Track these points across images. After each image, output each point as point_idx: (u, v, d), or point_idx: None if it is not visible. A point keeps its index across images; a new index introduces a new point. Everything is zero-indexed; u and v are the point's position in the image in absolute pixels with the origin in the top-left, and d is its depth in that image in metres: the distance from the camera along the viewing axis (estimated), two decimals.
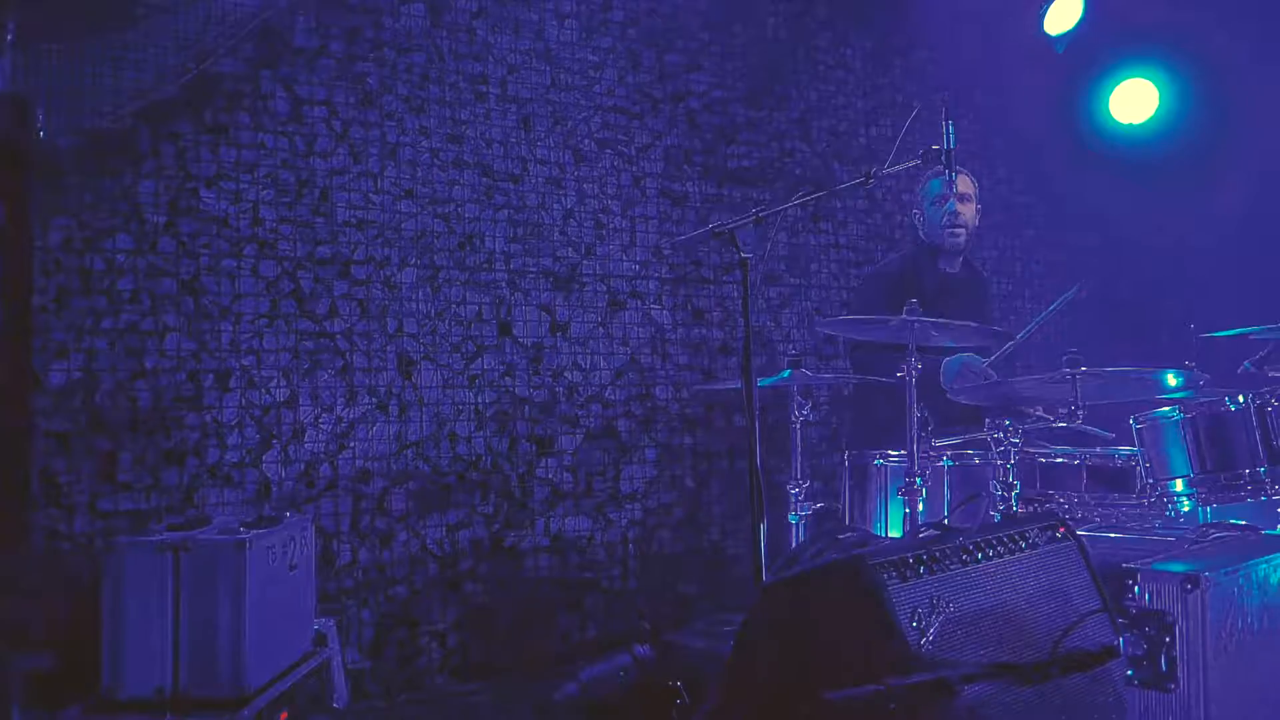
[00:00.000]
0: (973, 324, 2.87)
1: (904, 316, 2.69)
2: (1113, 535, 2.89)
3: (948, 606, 2.03)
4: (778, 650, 2.10)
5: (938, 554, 2.08)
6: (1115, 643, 1.80)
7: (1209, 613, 1.72)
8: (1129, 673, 1.77)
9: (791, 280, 4.59)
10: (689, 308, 4.33)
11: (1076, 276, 5.39)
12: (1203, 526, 2.83)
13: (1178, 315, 3.87)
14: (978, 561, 2.16)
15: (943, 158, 2.63)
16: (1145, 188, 5.08)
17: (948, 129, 2.64)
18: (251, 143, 3.54)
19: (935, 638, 1.97)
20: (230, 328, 3.48)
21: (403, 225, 3.78)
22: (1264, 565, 1.93)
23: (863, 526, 3.07)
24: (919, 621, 1.95)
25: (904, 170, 2.71)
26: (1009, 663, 1.84)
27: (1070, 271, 5.43)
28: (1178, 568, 1.74)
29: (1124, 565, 1.82)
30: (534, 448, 3.97)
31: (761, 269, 4.51)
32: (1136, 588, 1.77)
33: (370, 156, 3.73)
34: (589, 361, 4.10)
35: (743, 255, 2.50)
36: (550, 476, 3.99)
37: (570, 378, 4.06)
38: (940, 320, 2.82)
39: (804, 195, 2.62)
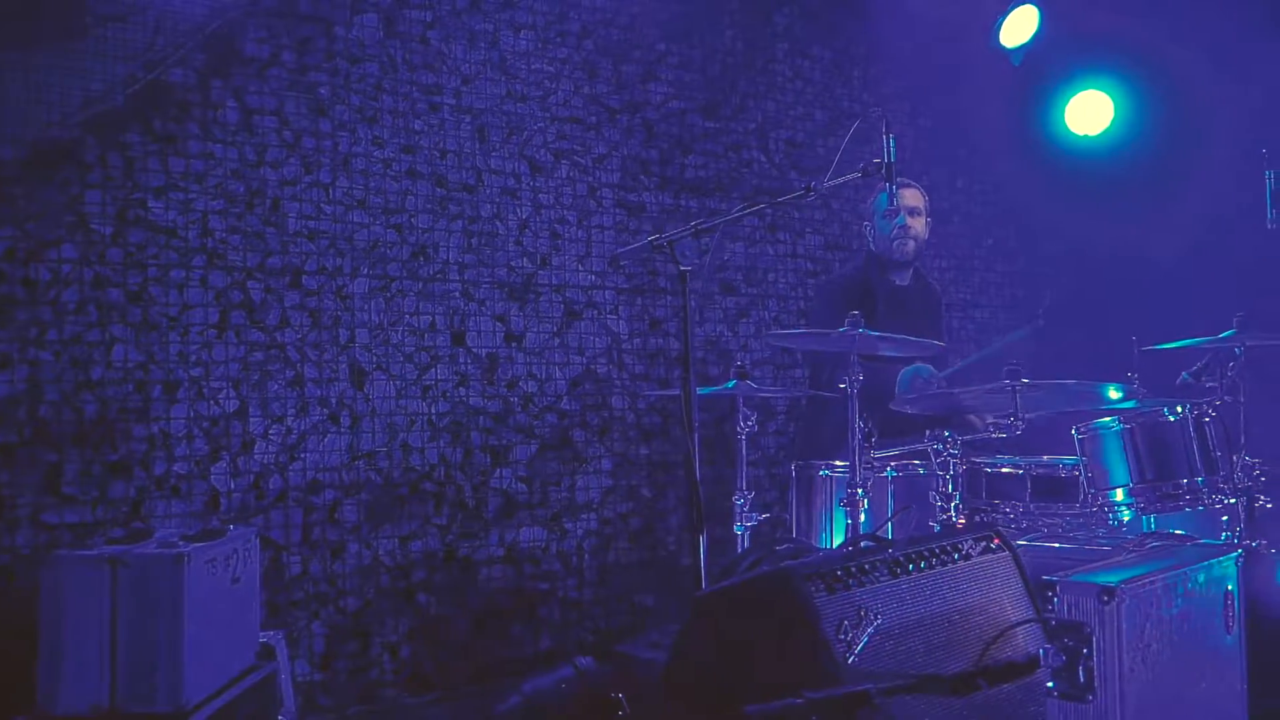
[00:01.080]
0: (912, 338, 2.88)
1: (843, 330, 2.70)
2: (1053, 545, 2.91)
3: (876, 618, 2.04)
4: (709, 663, 2.11)
5: (867, 566, 2.09)
6: (1038, 653, 1.82)
7: (1125, 624, 1.74)
8: (1049, 684, 1.78)
9: (749, 290, 4.61)
10: (646, 318, 4.34)
11: (1035, 286, 5.47)
12: (1142, 536, 2.87)
13: (1127, 326, 3.92)
14: (909, 573, 2.18)
15: (884, 171, 2.65)
16: (1101, 199, 5.14)
17: (888, 142, 2.66)
18: (201, 153, 3.52)
19: (863, 650, 1.99)
20: (179, 338, 3.46)
21: (355, 235, 3.77)
22: (1186, 574, 1.95)
23: (809, 537, 3.08)
24: (845, 634, 1.96)
25: (846, 182, 2.73)
26: (932, 674, 1.85)
27: (1029, 280, 5.49)
28: (1095, 579, 1.76)
29: (1043, 577, 1.84)
30: (488, 458, 3.96)
31: (717, 279, 4.53)
32: (1055, 599, 1.78)
33: (322, 167, 3.72)
34: (544, 371, 4.11)
35: (682, 268, 2.50)
36: (505, 487, 3.99)
37: (525, 388, 4.06)
38: (882, 335, 2.84)
39: (743, 209, 2.63)
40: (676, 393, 3.87)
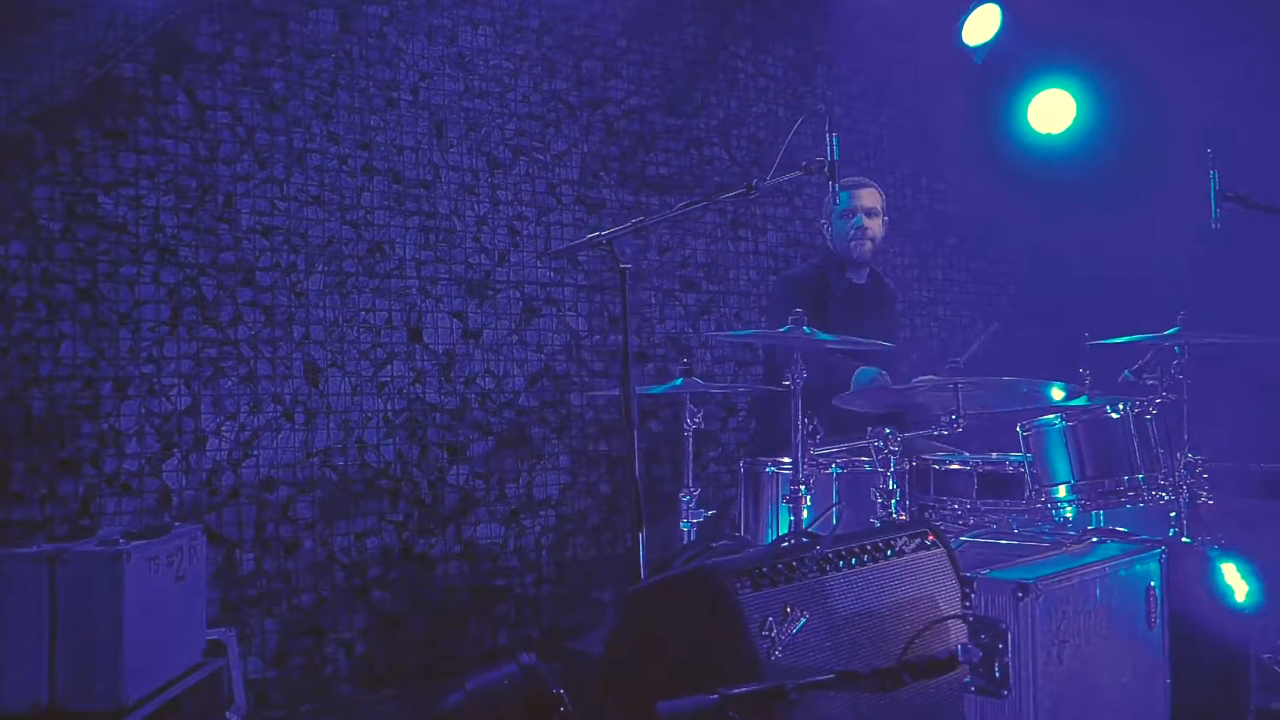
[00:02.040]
0: (859, 338, 2.90)
1: (786, 328, 2.71)
2: (996, 541, 2.93)
3: (803, 615, 2.06)
4: (638, 660, 2.12)
5: (794, 563, 2.10)
6: (956, 650, 1.83)
7: (1040, 620, 1.76)
8: (966, 679, 1.80)
9: (710, 287, 4.62)
10: (605, 314, 4.35)
11: (998, 284, 5.49)
12: (1083, 532, 2.89)
13: (1085, 323, 3.94)
14: (839, 570, 2.19)
15: (826, 169, 2.66)
16: (1063, 197, 5.17)
17: (830, 141, 2.66)
18: (152, 148, 3.51)
19: (787, 646, 2.00)
20: (129, 335, 3.45)
21: (309, 232, 3.76)
22: (1107, 571, 1.97)
23: (757, 533, 3.10)
24: (770, 630, 1.97)
25: (789, 180, 2.74)
26: (852, 670, 1.86)
27: (992, 279, 5.52)
28: (1011, 576, 1.78)
29: (963, 574, 1.85)
30: (445, 455, 3.96)
31: (677, 275, 4.54)
32: (973, 595, 1.80)
33: (276, 163, 3.71)
34: (502, 368, 4.11)
35: (622, 265, 2.51)
36: (462, 483, 3.99)
37: (483, 384, 4.06)
38: (828, 333, 2.85)
39: (685, 206, 2.64)
40: (616, 392, 3.88)
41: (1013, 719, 1.76)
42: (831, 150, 2.66)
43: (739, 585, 1.98)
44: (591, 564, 4.22)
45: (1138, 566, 2.06)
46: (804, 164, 2.69)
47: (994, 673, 1.77)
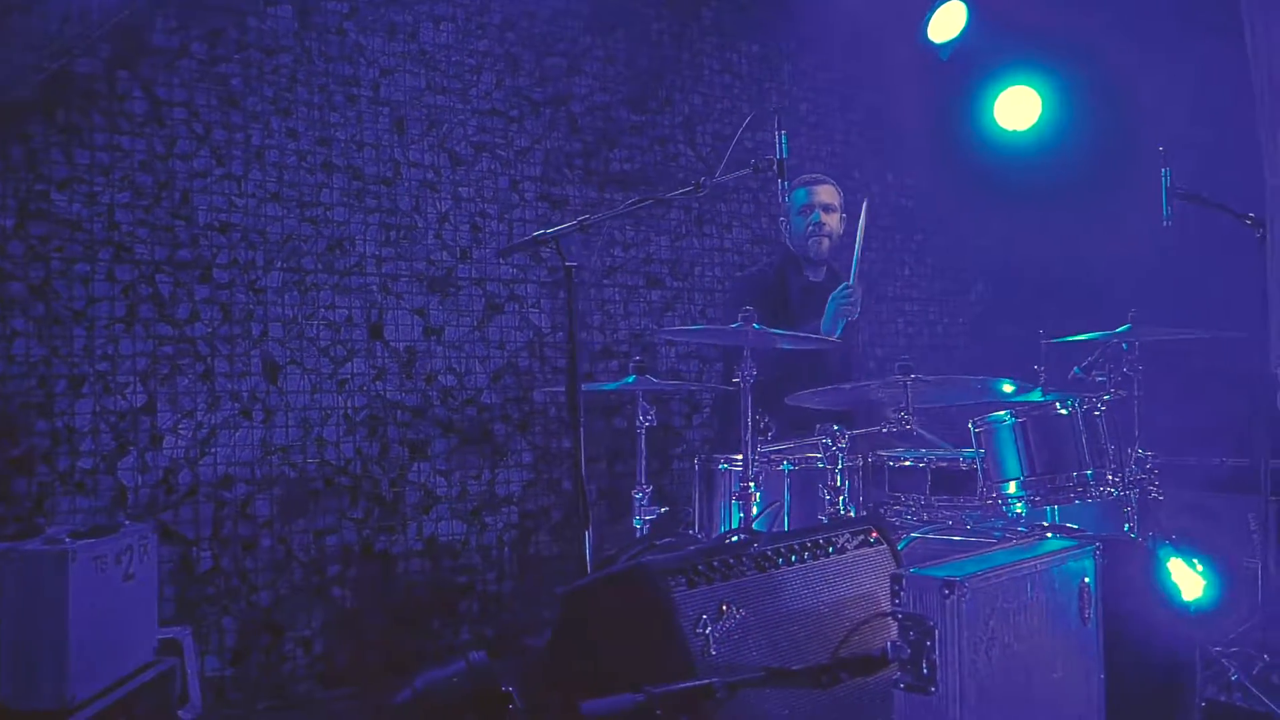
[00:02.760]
0: (810, 334, 2.90)
1: (735, 325, 2.72)
2: (948, 537, 2.94)
3: (739, 612, 2.06)
4: (578, 657, 2.12)
5: (731, 560, 2.11)
6: (886, 647, 1.84)
7: (967, 617, 1.77)
8: (895, 676, 1.81)
9: (674, 284, 4.62)
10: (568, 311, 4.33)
11: (965, 281, 5.51)
12: (1035, 527, 2.91)
13: (1047, 320, 3.96)
14: (778, 567, 2.20)
15: (775, 167, 2.66)
16: (1030, 193, 5.18)
17: (780, 139, 2.67)
18: (107, 144, 3.49)
19: (722, 644, 2.00)
20: (84, 333, 3.43)
21: (268, 229, 3.74)
22: (1038, 566, 1.98)
23: (710, 530, 3.10)
24: (704, 628, 1.98)
25: (737, 178, 2.74)
26: (783, 668, 1.87)
27: (958, 276, 5.54)
28: (938, 573, 1.79)
29: (892, 571, 1.86)
30: (406, 452, 3.96)
31: (644, 272, 4.54)
32: (902, 593, 1.81)
33: (234, 159, 3.69)
34: (464, 365, 4.10)
35: (567, 263, 2.51)
36: (423, 481, 3.99)
37: (445, 381, 4.06)
38: (776, 331, 2.86)
39: (632, 204, 2.63)
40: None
41: (939, 715, 1.76)
42: (780, 148, 2.67)
43: (673, 583, 1.98)
44: (554, 560, 4.22)
45: (1072, 563, 2.07)
46: (753, 162, 2.69)
47: (922, 669, 1.78)
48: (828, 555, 2.30)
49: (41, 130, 3.40)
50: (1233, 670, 3.04)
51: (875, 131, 5.27)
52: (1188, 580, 3.39)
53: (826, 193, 3.72)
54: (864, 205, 3.45)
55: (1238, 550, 4.02)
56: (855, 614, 2.25)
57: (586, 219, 2.56)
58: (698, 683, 1.73)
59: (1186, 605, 2.82)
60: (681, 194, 2.64)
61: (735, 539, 2.22)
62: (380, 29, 4.01)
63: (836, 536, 2.35)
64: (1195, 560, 3.67)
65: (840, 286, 3.45)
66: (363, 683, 3.74)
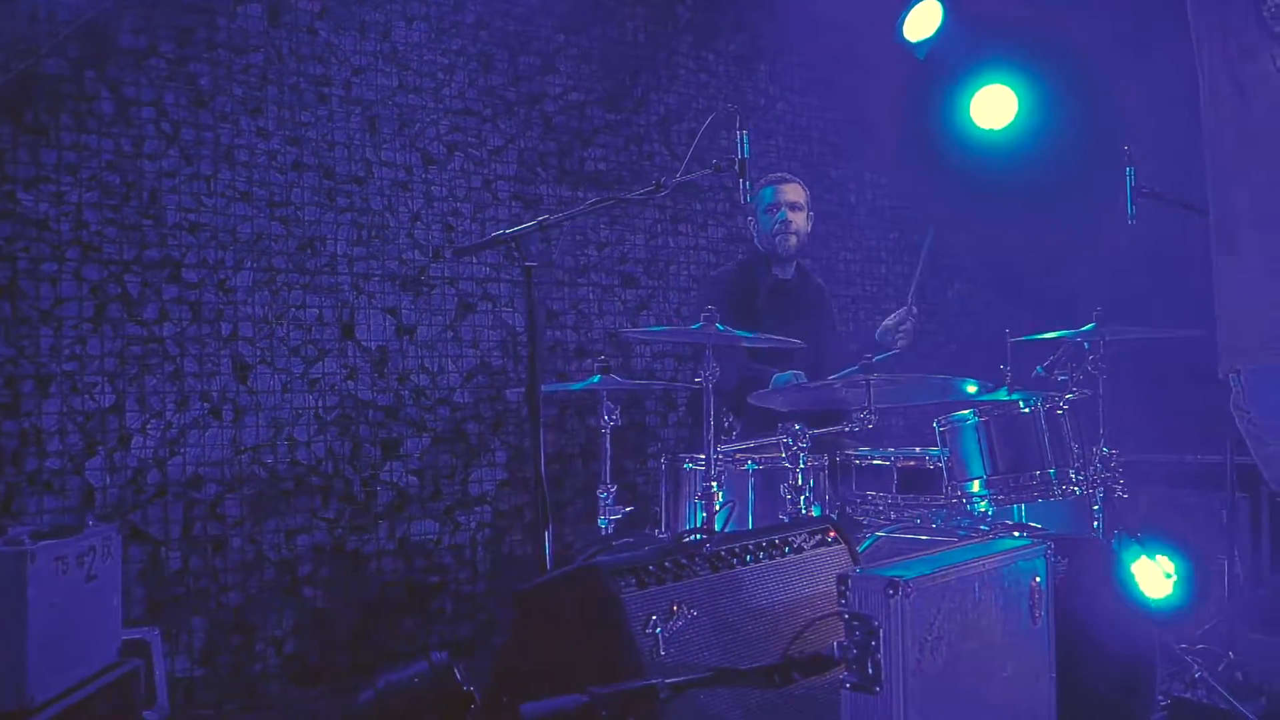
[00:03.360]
0: (774, 335, 2.91)
1: (698, 325, 2.72)
2: (913, 536, 2.94)
3: (691, 612, 2.07)
4: (531, 658, 2.13)
5: (685, 560, 2.11)
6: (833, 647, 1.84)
7: (912, 616, 1.77)
8: (842, 675, 1.81)
9: (649, 283, 4.62)
10: (542, 310, 4.34)
11: (943, 280, 5.52)
12: (998, 526, 2.92)
13: (1021, 318, 3.97)
14: (732, 567, 2.20)
15: (736, 166, 2.66)
16: (1006, 192, 5.20)
17: (741, 138, 2.67)
18: (74, 144, 3.48)
19: (672, 644, 2.01)
20: (51, 333, 3.42)
21: (238, 228, 3.74)
22: (986, 566, 1.99)
23: (677, 529, 3.10)
24: (654, 628, 1.98)
25: (698, 177, 2.75)
26: (730, 668, 1.87)
27: (936, 274, 5.55)
28: (884, 573, 1.79)
29: (839, 571, 1.87)
30: (378, 451, 3.96)
31: (619, 271, 4.54)
32: (849, 593, 1.81)
33: (203, 158, 3.69)
34: (437, 364, 4.10)
35: (526, 263, 2.51)
36: (396, 480, 3.98)
37: (417, 380, 4.05)
38: (743, 333, 2.86)
39: (594, 203, 2.64)
40: (554, 388, 3.88)
41: (885, 715, 1.77)
42: (742, 148, 2.67)
43: (623, 583, 1.98)
44: (528, 560, 4.22)
45: (1022, 563, 2.07)
46: (714, 161, 2.70)
47: (867, 669, 1.78)
48: (784, 555, 2.31)
49: (8, 130, 3.39)
50: (1197, 667, 3.06)
51: (852, 130, 5.28)
52: (1154, 578, 3.41)
53: (793, 191, 3.73)
54: (930, 232, 3.54)
55: (1210, 547, 4.04)
56: (811, 613, 2.25)
57: (546, 219, 2.56)
58: (641, 683, 1.73)
59: (1149, 603, 2.84)
60: (642, 194, 2.64)
61: (692, 539, 2.22)
62: (352, 28, 4.00)
63: (793, 536, 2.35)
64: (1164, 557, 3.68)
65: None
66: (335, 683, 3.74)
